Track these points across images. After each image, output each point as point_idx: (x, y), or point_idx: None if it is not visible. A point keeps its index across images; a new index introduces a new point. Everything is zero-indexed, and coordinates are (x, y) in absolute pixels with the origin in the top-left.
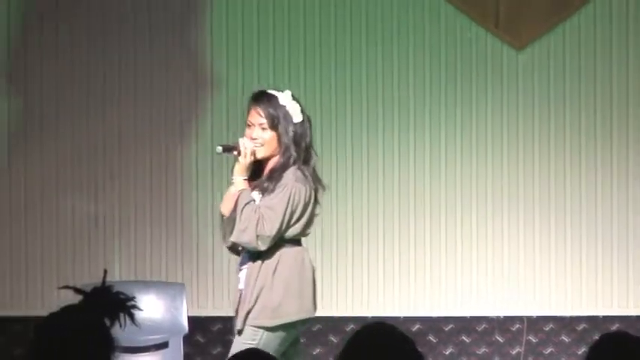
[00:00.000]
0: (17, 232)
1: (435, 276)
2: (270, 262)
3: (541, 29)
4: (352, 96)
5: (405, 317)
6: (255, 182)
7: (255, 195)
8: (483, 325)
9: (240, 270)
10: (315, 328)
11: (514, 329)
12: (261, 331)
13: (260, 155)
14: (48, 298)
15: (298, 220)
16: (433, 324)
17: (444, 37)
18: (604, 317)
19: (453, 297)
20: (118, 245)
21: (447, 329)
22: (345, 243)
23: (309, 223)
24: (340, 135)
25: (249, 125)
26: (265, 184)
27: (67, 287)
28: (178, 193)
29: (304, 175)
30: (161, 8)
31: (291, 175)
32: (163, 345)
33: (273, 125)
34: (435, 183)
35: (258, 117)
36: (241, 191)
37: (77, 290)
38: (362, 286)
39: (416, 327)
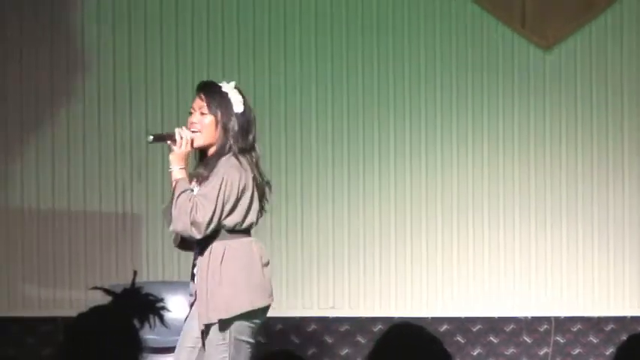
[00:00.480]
0: (45, 232)
1: (463, 277)
2: (217, 255)
3: (568, 29)
4: (379, 95)
5: (433, 317)
6: (191, 172)
7: (195, 186)
8: (511, 326)
9: (194, 266)
10: (342, 329)
11: (542, 330)
12: (218, 325)
13: (199, 143)
14: (76, 299)
15: (234, 207)
16: (461, 324)
17: (470, 38)
18: (632, 318)
19: (481, 297)
20: (145, 246)
21: (474, 330)
22: (372, 244)
23: (248, 212)
24: (368, 134)
25: (191, 112)
26: (200, 171)
27: (97, 288)
28: None
29: (239, 162)
30: None
31: (224, 161)
32: None
33: (213, 110)
34: (463, 184)
35: (199, 102)
36: (178, 180)
37: (107, 291)
38: (390, 287)
39: (444, 327)
